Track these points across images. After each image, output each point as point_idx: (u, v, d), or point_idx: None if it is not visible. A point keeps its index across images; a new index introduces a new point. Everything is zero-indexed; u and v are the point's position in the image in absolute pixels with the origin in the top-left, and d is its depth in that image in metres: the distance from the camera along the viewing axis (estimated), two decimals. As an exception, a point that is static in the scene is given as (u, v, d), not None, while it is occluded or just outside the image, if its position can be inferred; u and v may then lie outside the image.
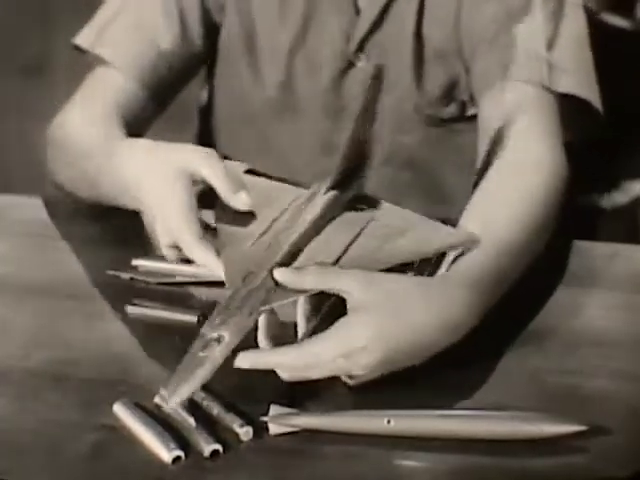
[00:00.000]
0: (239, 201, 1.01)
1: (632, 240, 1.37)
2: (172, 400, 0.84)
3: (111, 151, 1.12)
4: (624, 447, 0.87)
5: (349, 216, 0.99)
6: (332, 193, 0.99)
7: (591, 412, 0.90)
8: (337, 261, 0.93)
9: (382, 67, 0.96)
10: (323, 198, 0.98)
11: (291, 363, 0.88)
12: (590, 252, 1.18)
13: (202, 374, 0.85)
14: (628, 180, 1.54)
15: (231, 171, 1.03)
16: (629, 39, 1.49)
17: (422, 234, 0.97)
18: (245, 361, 0.87)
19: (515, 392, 0.94)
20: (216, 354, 0.86)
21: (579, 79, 1.23)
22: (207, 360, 0.85)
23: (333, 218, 0.98)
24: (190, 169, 1.02)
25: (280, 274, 0.90)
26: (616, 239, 1.24)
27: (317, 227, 0.96)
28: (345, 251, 0.94)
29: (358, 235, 0.96)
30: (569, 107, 1.22)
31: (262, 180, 1.06)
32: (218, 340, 0.86)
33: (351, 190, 1.01)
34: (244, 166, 1.07)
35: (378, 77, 0.97)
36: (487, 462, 0.86)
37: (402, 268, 0.94)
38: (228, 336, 0.86)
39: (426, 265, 0.97)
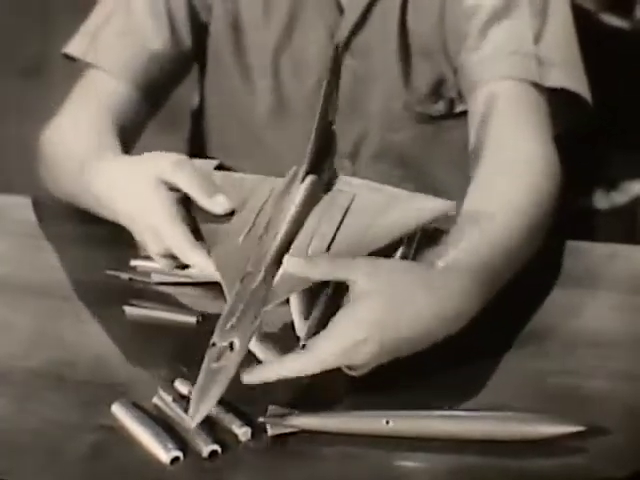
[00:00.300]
0: (216, 206, 1.00)
1: (631, 240, 1.37)
2: (196, 417, 0.84)
3: (89, 167, 1.12)
4: (623, 447, 0.87)
5: (331, 198, 0.98)
6: (310, 177, 0.98)
7: (590, 412, 0.90)
8: (329, 246, 0.93)
9: (340, 46, 0.96)
10: (303, 184, 0.97)
11: (301, 370, 0.88)
12: (589, 253, 1.18)
13: (220, 386, 0.85)
14: (627, 180, 1.54)
15: (203, 172, 1.03)
16: (628, 39, 1.49)
17: (405, 207, 0.97)
18: (254, 377, 0.87)
19: (514, 392, 0.94)
20: (230, 363, 0.85)
21: (568, 72, 1.23)
22: (222, 371, 0.85)
23: (316, 202, 0.98)
24: (163, 177, 1.02)
25: (292, 264, 0.90)
26: (615, 240, 1.24)
27: (303, 214, 0.96)
28: (335, 235, 0.94)
29: (344, 216, 0.96)
30: (558, 100, 1.22)
31: (235, 174, 1.05)
32: (230, 347, 0.86)
33: (326, 171, 1.00)
34: (213, 163, 1.06)
35: (337, 58, 0.96)
36: (486, 463, 0.86)
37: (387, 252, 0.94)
38: (239, 342, 0.86)
39: (412, 241, 0.97)
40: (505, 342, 1.00)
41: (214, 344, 0.86)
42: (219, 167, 1.06)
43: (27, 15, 2.74)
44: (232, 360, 0.85)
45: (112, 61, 1.29)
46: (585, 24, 1.28)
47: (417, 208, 0.97)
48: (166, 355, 0.98)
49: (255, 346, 0.91)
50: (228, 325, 0.87)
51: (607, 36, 1.47)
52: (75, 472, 0.85)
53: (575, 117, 1.26)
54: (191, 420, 0.84)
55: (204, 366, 0.85)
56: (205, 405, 0.84)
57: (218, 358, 0.85)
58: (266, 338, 0.92)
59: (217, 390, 0.85)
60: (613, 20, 1.49)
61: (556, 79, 1.22)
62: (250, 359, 0.89)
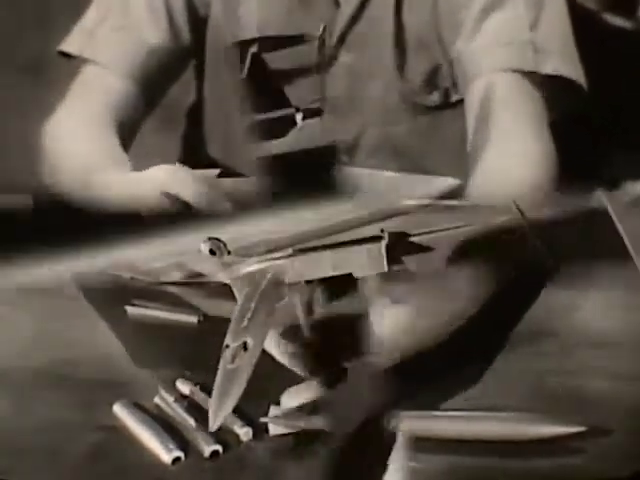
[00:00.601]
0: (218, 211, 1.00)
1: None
2: (217, 421, 0.83)
3: (90, 178, 1.12)
4: (623, 448, 0.87)
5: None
6: None
7: (590, 413, 0.90)
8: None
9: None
10: None
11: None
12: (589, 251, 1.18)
13: (237, 386, 0.84)
14: (628, 180, 1.54)
15: (205, 180, 1.02)
16: (630, 39, 1.50)
17: (407, 189, 0.96)
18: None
19: (514, 393, 0.94)
20: (245, 362, 0.85)
21: (563, 59, 1.24)
22: (238, 371, 0.84)
23: None
24: (164, 189, 1.01)
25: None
26: (616, 240, 1.24)
27: None
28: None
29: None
30: (553, 86, 1.23)
31: (239, 179, 1.05)
32: (244, 347, 0.86)
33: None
34: (216, 171, 1.06)
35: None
36: (486, 463, 0.85)
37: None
38: (252, 341, 0.86)
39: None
40: (504, 342, 1.00)
41: (227, 346, 0.86)
42: (220, 175, 1.06)
43: (27, 14, 2.73)
44: (247, 359, 0.85)
45: (110, 56, 1.29)
46: (588, 24, 1.28)
47: (419, 189, 0.96)
48: (168, 355, 0.98)
49: (272, 348, 0.91)
50: (239, 327, 0.86)
51: (610, 36, 1.47)
52: (76, 472, 0.85)
53: (570, 103, 1.27)
54: (212, 421, 0.83)
55: (220, 369, 0.85)
56: (225, 407, 0.84)
57: (232, 359, 0.85)
58: (281, 339, 0.92)
59: (235, 391, 0.84)
60: (616, 20, 1.49)
61: (552, 66, 1.22)
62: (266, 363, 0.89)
